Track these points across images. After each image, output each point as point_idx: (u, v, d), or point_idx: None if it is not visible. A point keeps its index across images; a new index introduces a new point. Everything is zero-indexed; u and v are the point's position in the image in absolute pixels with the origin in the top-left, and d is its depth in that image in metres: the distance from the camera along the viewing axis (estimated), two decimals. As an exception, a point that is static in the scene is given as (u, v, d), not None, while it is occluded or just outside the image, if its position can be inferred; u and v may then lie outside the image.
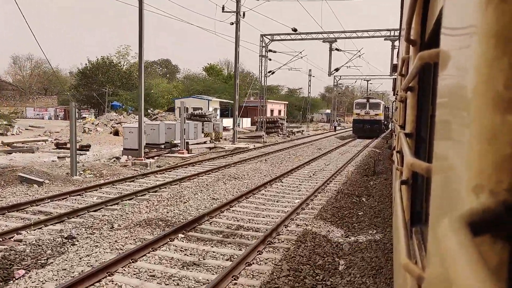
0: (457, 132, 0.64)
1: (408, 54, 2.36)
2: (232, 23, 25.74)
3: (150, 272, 5.44)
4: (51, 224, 7.58)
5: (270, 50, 32.75)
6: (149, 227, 7.36)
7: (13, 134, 27.80)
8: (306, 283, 5.30)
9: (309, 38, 32.20)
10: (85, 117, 43.35)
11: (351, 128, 40.79)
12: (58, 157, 16.34)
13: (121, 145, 18.97)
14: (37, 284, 4.98)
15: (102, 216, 8.22)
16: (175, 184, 11.81)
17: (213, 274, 5.47)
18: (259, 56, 32.40)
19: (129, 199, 9.88)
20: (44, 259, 6.04)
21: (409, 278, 1.19)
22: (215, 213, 8.42)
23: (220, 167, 15.28)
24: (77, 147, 17.88)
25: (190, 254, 6.23)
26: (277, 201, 10.05)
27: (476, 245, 0.46)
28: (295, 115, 66.39)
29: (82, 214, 8.36)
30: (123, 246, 6.34)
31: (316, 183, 12.61)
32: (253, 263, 5.85)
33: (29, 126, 34.20)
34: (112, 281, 5.11)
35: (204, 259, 6.02)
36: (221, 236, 7.16)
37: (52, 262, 5.80)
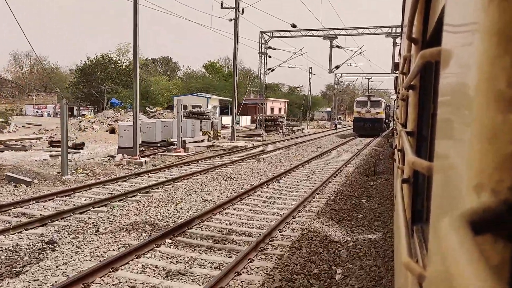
0: (458, 130, 0.64)
1: (410, 53, 2.33)
2: (230, 20, 25.28)
3: (130, 282, 5.04)
4: (32, 228, 7.17)
5: (270, 47, 32.28)
6: (135, 232, 6.96)
7: (9, 132, 27.42)
8: (299, 296, 4.90)
9: (309, 35, 31.72)
10: (85, 114, 42.94)
11: (352, 127, 40.32)
12: (51, 156, 15.94)
13: (117, 144, 18.57)
14: (7, 296, 4.59)
15: (88, 219, 7.81)
16: (168, 185, 11.40)
17: (198, 285, 5.07)
18: (259, 53, 31.93)
19: (118, 200, 9.48)
20: (20, 267, 5.62)
21: (410, 276, 1.19)
22: (207, 216, 8.01)
23: (217, 166, 14.87)
24: (71, 145, 17.54)
25: (177, 261, 5.83)
26: (273, 203, 9.64)
27: (477, 244, 0.46)
28: (296, 113, 65.92)
29: (67, 217, 7.95)
30: (105, 252, 5.93)
31: (315, 183, 12.19)
32: (243, 273, 5.44)
33: (26, 123, 33.79)
34: (89, 293, 4.71)
35: (190, 268, 5.61)
36: (211, 241, 6.75)
37: (27, 271, 5.40)
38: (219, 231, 7.33)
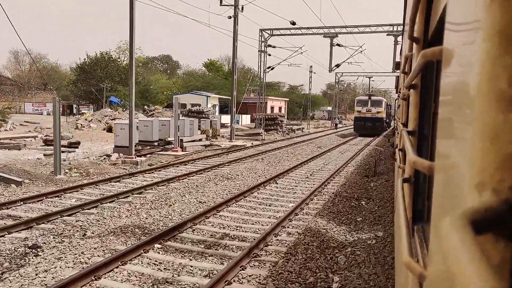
0: (459, 130, 0.65)
1: (411, 52, 2.32)
2: (230, 17, 24.93)
3: (113, 292, 4.73)
4: (16, 231, 6.86)
5: (270, 45, 31.92)
6: (123, 236, 6.65)
7: (6, 130, 27.11)
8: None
9: (310, 33, 31.32)
10: (84, 112, 42.62)
11: (352, 126, 39.97)
12: (45, 155, 15.64)
13: (113, 142, 18.26)
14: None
15: (76, 221, 7.49)
16: (162, 185, 11.09)
17: (186, 295, 4.76)
18: (258, 51, 31.57)
19: (110, 202, 9.17)
20: (-1, 274, 5.32)
21: (411, 276, 1.18)
22: (200, 219, 7.69)
23: (214, 166, 14.56)
24: (66, 144, 17.22)
25: (165, 268, 5.51)
26: (269, 205, 9.32)
27: (478, 244, 0.46)
28: (296, 112, 65.55)
29: (54, 219, 7.64)
30: (89, 259, 5.62)
31: (313, 184, 11.87)
32: (234, 281, 5.13)
33: (24, 121, 33.48)
34: (68, 303, 4.41)
35: (179, 275, 5.29)
36: (202, 246, 6.44)
37: (6, 278, 5.09)
38: (212, 235, 7.02)
